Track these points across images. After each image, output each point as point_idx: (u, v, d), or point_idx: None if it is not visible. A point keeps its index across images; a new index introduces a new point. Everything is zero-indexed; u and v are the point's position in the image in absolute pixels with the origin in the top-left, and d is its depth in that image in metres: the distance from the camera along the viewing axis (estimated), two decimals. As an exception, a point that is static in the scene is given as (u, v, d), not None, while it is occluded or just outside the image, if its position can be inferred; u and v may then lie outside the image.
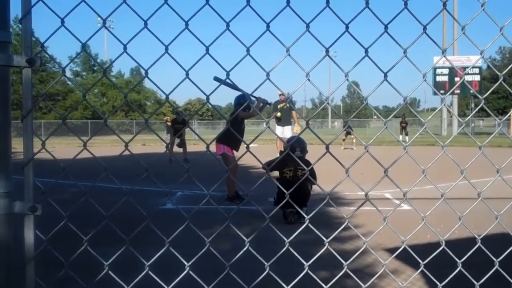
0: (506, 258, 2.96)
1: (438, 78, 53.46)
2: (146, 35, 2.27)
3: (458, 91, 55.28)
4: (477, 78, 53.24)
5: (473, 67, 51.40)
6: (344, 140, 32.34)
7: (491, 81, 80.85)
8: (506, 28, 2.53)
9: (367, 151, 2.26)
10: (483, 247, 2.78)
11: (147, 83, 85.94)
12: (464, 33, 2.36)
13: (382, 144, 33.86)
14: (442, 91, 50.10)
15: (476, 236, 2.74)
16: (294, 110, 21.52)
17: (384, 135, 40.58)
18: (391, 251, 6.17)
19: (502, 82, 2.64)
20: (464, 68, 46.99)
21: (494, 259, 2.75)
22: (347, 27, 2.18)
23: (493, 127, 63.57)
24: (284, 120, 19.22)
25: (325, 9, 2.20)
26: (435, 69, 52.82)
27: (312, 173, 8.41)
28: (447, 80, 52.99)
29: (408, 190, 2.50)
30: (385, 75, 2.22)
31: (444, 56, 2.35)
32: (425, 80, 2.32)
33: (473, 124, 60.07)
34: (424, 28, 2.24)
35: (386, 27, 2.18)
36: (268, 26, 2.15)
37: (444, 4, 2.27)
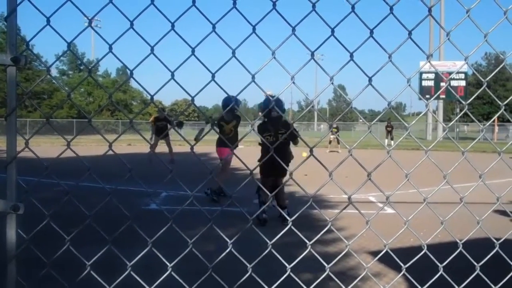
0: (488, 263, 2.98)
1: (424, 83, 53.78)
2: (133, 35, 2.27)
3: (443, 96, 55.65)
4: (463, 83, 53.63)
5: (459, 72, 51.81)
6: (330, 142, 32.48)
7: (476, 87, 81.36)
8: (490, 35, 2.55)
9: (351, 154, 2.28)
10: (464, 252, 2.80)
11: (133, 83, 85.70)
12: (449, 39, 2.38)
13: (368, 147, 33.99)
14: (427, 96, 50.42)
15: (458, 241, 2.76)
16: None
17: (369, 138, 40.75)
18: (374, 254, 6.19)
19: (486, 88, 2.66)
20: (450, 73, 47.30)
21: (475, 263, 2.77)
22: (332, 31, 2.19)
23: (478, 133, 64.03)
24: None
25: (311, 13, 2.21)
26: (421, 73, 53.12)
27: (293, 135, 8.40)
28: (432, 85, 53.31)
29: (391, 194, 2.51)
30: (370, 79, 2.23)
31: (429, 61, 2.37)
32: (409, 85, 2.34)
33: (458, 129, 60.48)
34: (409, 33, 2.26)
35: (371, 31, 2.19)
36: (254, 29, 2.16)
37: (430, 10, 2.28)
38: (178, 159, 20.93)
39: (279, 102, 9.13)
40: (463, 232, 3.16)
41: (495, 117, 3.23)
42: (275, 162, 2.51)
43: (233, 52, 2.16)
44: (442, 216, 2.77)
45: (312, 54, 2.22)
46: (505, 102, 2.92)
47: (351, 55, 2.20)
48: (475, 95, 3.19)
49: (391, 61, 2.24)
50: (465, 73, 53.83)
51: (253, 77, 2.17)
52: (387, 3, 2.24)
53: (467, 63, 2.49)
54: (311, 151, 2.21)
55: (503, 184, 3.39)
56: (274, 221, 8.50)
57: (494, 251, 2.86)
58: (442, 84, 51.84)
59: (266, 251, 2.47)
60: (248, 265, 2.43)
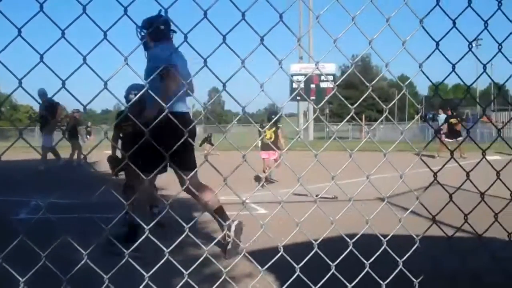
0: (343, 262, 3.10)
1: (295, 85, 55.09)
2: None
3: (313, 98, 57.33)
4: (331, 85, 55.49)
5: (328, 74, 53.63)
6: (200, 145, 32.73)
7: (344, 88, 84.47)
8: (357, 37, 2.65)
9: (207, 160, 2.29)
10: (319, 251, 2.87)
11: (1, 88, 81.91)
12: (299, 44, 2.45)
13: (242, 150, 34.37)
14: (298, 98, 51.93)
15: (313, 241, 2.84)
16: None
17: (243, 140, 41.24)
18: (250, 254, 6.22)
19: (337, 93, 2.76)
20: (319, 75, 48.88)
21: (331, 263, 2.85)
22: (185, 37, 2.19)
23: (347, 132, 66.47)
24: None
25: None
26: (292, 75, 54.42)
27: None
28: (303, 86, 54.76)
29: (248, 196, 2.56)
30: (224, 85, 2.26)
31: (280, 67, 2.43)
32: (262, 90, 2.38)
33: (327, 129, 62.45)
34: (261, 39, 2.30)
35: (224, 37, 2.22)
36: (105, 35, 2.12)
37: (281, 16, 2.34)
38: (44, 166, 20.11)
39: (139, 88, 7.91)
40: (317, 232, 3.23)
41: (347, 118, 3.36)
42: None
43: (84, 59, 2.11)
44: (312, 214, 2.85)
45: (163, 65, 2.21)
46: (389, 106, 3.06)
47: (205, 61, 2.21)
48: (329, 96, 3.31)
49: (244, 66, 2.27)
50: (334, 75, 55.88)
51: (105, 84, 2.13)
52: (239, 9, 2.27)
53: (317, 67, 2.57)
54: (168, 158, 2.20)
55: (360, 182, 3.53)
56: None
57: (348, 250, 2.96)
58: (313, 86, 53.63)
59: (123, 260, 2.43)
60: (104, 276, 2.39)
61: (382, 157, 2.71)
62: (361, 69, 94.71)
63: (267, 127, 15.19)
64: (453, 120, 24.41)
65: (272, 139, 14.52)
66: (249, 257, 2.70)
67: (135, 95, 7.39)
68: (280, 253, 2.74)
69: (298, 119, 66.10)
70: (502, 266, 5.10)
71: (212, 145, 32.23)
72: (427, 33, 2.70)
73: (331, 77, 55.35)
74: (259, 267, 2.72)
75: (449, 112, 25.84)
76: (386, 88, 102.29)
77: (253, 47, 2.34)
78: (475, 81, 2.95)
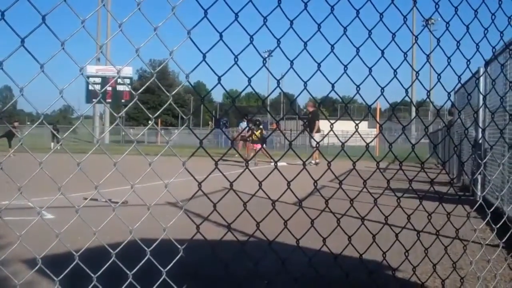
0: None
1: (91, 87, 54.04)
2: None
3: (110, 100, 56.48)
4: (128, 88, 55.21)
5: (125, 77, 53.21)
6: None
7: (142, 92, 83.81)
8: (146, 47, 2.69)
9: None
10: (117, 261, 2.86)
11: None
12: (101, 52, 2.45)
13: (34, 151, 32.90)
14: (94, 100, 50.98)
15: (111, 251, 2.83)
16: None
17: (36, 141, 39.57)
18: (28, 262, 5.95)
19: (137, 102, 2.79)
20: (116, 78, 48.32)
21: (93, 274, 2.81)
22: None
23: (143, 136, 66.14)
24: None
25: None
26: (88, 77, 53.16)
27: None
28: (99, 88, 53.87)
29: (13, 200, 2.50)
30: (21, 89, 2.20)
31: (81, 73, 2.41)
32: (61, 96, 2.35)
33: (123, 133, 61.87)
34: (62, 44, 2.27)
35: (23, 40, 2.16)
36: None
37: (82, 22, 2.33)
38: None
39: None
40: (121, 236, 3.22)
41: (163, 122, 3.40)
42: None
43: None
44: (99, 220, 2.84)
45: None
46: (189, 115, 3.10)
47: (1, 64, 2.14)
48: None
49: (43, 71, 2.23)
50: (130, 78, 55.57)
51: None
52: (39, 11, 2.22)
53: (119, 76, 2.59)
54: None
55: (157, 186, 3.60)
56: None
57: (145, 260, 2.96)
58: (109, 88, 52.89)
59: None
60: None
61: (178, 161, 2.75)
62: (159, 75, 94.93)
63: (255, 128, 25.50)
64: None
65: (259, 137, 24.68)
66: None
67: None
68: (75, 261, 2.70)
69: (94, 121, 64.79)
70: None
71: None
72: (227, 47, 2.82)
73: (128, 80, 54.94)
74: (55, 278, 2.65)
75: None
76: (183, 94, 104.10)
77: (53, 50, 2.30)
78: (269, 94, 3.13)
